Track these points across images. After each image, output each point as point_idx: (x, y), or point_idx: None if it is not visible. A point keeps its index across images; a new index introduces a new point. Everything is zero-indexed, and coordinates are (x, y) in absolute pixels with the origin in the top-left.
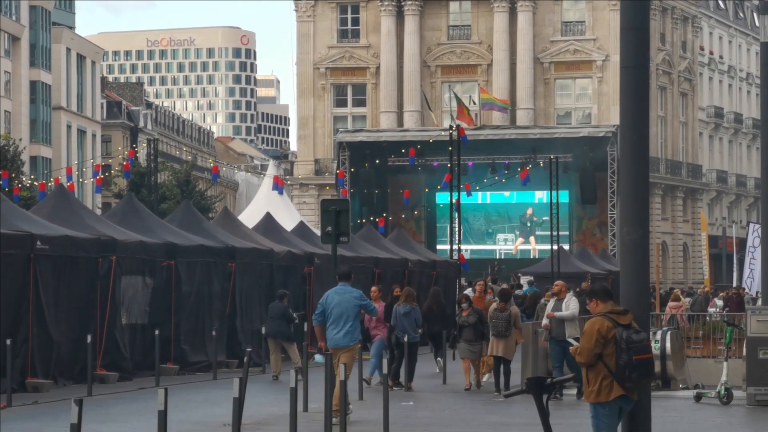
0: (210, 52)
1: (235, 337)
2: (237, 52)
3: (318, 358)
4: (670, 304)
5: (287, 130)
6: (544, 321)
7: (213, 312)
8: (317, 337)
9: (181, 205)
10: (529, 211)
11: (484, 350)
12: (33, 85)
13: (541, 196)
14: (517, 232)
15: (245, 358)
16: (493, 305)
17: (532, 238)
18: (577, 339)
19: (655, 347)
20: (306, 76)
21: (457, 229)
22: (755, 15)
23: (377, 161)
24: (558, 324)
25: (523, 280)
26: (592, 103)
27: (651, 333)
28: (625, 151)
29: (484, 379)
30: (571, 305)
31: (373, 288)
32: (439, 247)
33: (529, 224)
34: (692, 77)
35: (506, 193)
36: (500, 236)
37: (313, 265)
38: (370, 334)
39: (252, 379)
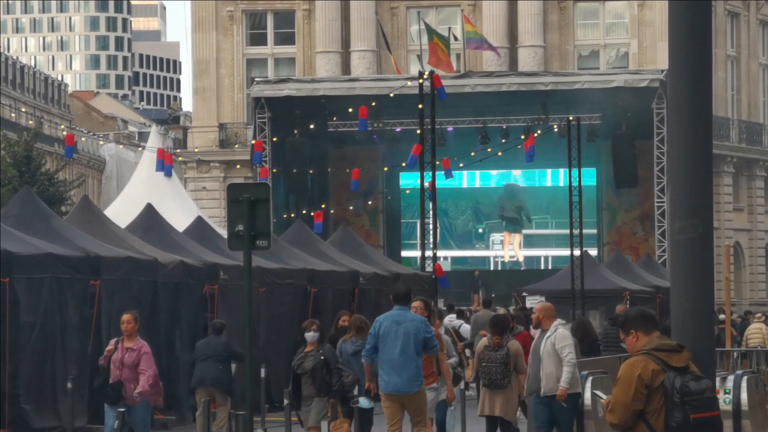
0: None
1: (103, 389)
2: None
3: (363, 402)
4: (749, 334)
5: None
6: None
7: (68, 352)
8: (366, 376)
9: (18, 193)
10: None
11: (330, 411)
12: None
13: (553, 175)
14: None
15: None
16: (484, 341)
17: (515, 237)
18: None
19: (725, 400)
20: None
21: (431, 226)
22: None
23: (312, 126)
24: (537, 371)
25: (531, 302)
26: (629, 38)
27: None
28: (678, 110)
29: None
30: (563, 343)
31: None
32: (404, 253)
33: (516, 214)
34: None
35: (503, 172)
36: (495, 237)
37: (216, 282)
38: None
39: None
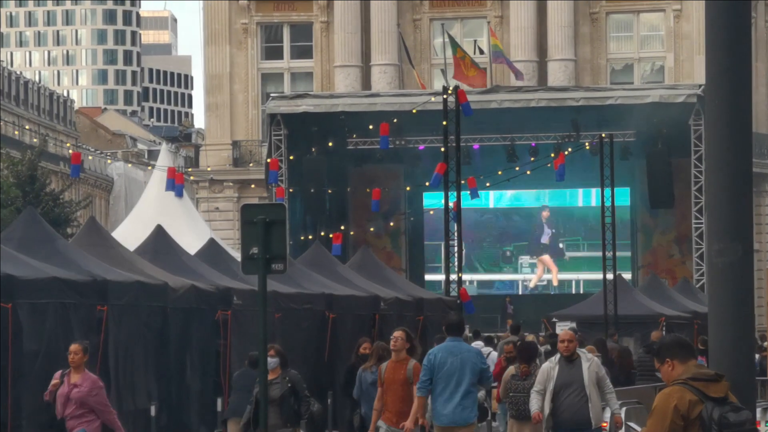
0: None
1: (52, 427)
2: None
3: None
4: None
5: (190, 97)
6: (534, 406)
7: None
8: (417, 411)
9: (21, 214)
10: (545, 214)
11: None
12: None
13: (585, 195)
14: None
15: None
16: (511, 370)
17: (547, 259)
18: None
19: None
20: (218, 10)
21: (456, 249)
22: None
23: (330, 144)
24: (575, 403)
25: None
26: (665, 51)
27: (760, 410)
28: (715, 126)
29: None
30: (602, 372)
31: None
32: (428, 277)
33: (545, 236)
34: None
35: (533, 192)
36: (524, 259)
37: (230, 308)
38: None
39: None
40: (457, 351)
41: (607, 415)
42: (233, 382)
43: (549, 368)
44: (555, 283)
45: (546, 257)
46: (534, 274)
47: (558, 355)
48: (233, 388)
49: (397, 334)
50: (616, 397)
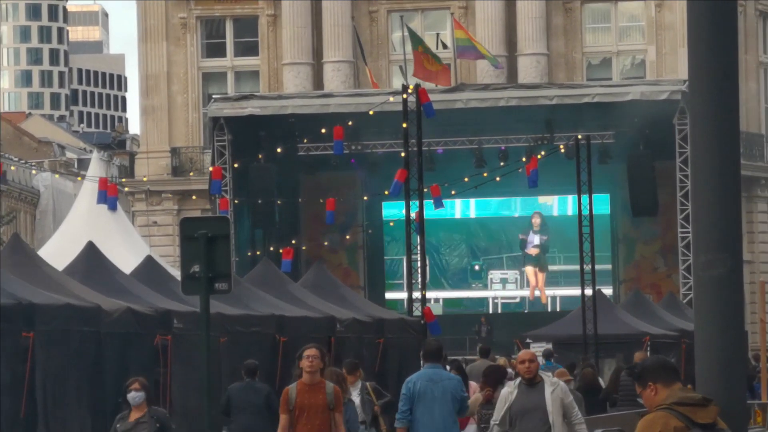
0: None
1: None
2: None
3: None
4: None
5: (123, 99)
6: None
7: None
8: None
9: None
10: (536, 219)
11: None
12: None
13: (560, 203)
14: (522, 268)
15: None
16: (477, 396)
17: (531, 271)
18: None
19: None
20: (153, 3)
21: (419, 264)
22: None
23: (279, 150)
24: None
25: (536, 350)
26: (646, 44)
27: None
28: (700, 126)
29: None
30: (569, 398)
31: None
32: (388, 295)
33: (530, 245)
34: None
35: (501, 200)
36: (495, 274)
37: (170, 332)
38: None
39: None
40: (438, 378)
41: None
42: (234, 398)
43: (507, 393)
44: (544, 301)
45: (536, 270)
46: (507, 290)
47: (518, 379)
48: (235, 407)
49: (312, 352)
50: (596, 426)
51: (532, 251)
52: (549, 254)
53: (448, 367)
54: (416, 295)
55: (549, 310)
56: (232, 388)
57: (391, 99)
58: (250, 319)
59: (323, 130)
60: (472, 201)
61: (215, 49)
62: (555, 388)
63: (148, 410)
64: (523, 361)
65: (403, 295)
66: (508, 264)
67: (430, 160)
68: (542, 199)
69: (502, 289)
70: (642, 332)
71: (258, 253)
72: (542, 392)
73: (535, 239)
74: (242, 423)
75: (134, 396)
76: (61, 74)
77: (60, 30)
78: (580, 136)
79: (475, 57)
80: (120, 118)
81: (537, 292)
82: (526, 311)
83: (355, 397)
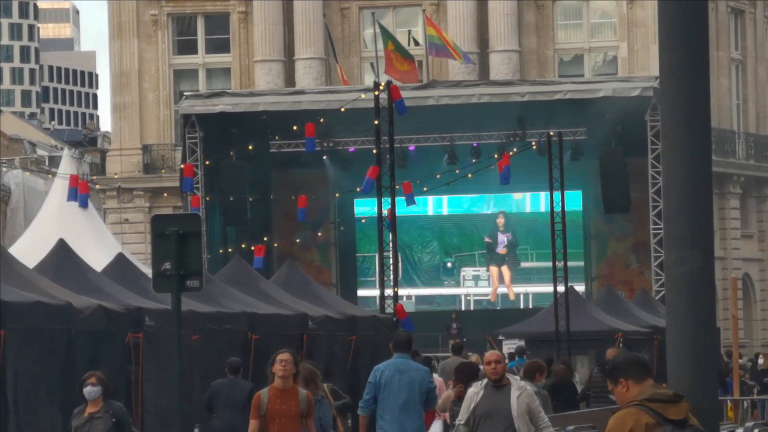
0: None
1: None
2: None
3: None
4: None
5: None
6: None
7: None
8: (360, 429)
9: None
10: (500, 220)
11: None
12: None
13: (532, 199)
14: (488, 267)
15: None
16: (448, 393)
17: (496, 271)
18: None
19: None
20: (125, 2)
21: (391, 261)
22: None
23: (250, 147)
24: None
25: (507, 348)
26: (617, 41)
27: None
28: (671, 122)
29: None
30: (535, 403)
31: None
32: (361, 292)
33: (501, 245)
34: None
35: (474, 197)
36: (467, 271)
37: (141, 330)
38: None
39: None
40: (405, 368)
41: None
42: (215, 394)
43: (473, 393)
44: (512, 297)
45: (504, 268)
46: (479, 287)
47: (486, 380)
48: (218, 403)
49: (285, 356)
50: (568, 422)
51: (503, 251)
52: (521, 250)
53: None
54: (388, 292)
55: (521, 307)
56: (216, 384)
57: (363, 96)
58: (222, 316)
59: (295, 127)
60: (445, 198)
61: (186, 46)
62: (521, 393)
63: (104, 404)
64: (489, 362)
65: (375, 292)
66: (480, 261)
67: (402, 157)
68: (515, 196)
69: (475, 286)
70: (614, 329)
71: (230, 250)
72: (508, 395)
73: (504, 239)
74: (225, 419)
75: (90, 390)
76: (31, 71)
77: (31, 27)
78: (552, 133)
79: (446, 56)
80: (91, 116)
81: (502, 290)
82: (498, 308)
83: None
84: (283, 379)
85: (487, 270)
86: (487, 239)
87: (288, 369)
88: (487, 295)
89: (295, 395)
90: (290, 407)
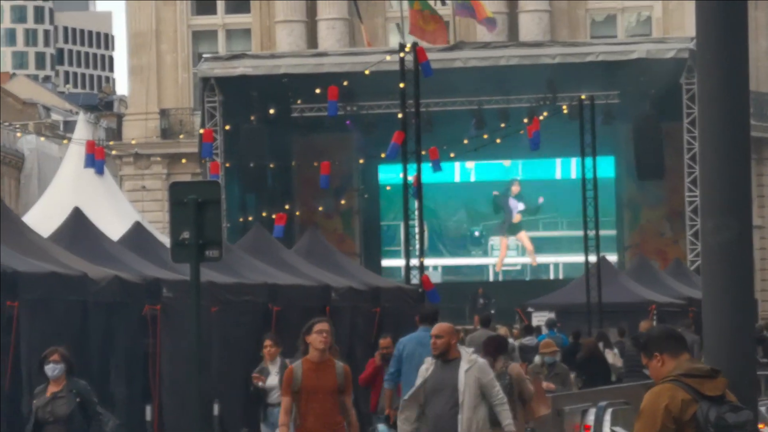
0: None
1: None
2: None
3: (382, 429)
4: None
5: (111, 59)
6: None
7: None
8: (386, 402)
9: None
10: (515, 187)
11: None
12: None
13: (563, 166)
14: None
15: None
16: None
17: (521, 237)
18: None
19: None
20: None
21: (417, 230)
22: None
23: (272, 111)
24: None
25: (537, 320)
26: (652, 0)
27: (762, 409)
28: (708, 86)
29: None
30: (488, 377)
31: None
32: (385, 262)
33: (515, 213)
34: None
35: (505, 163)
36: (495, 241)
37: (159, 301)
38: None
39: None
40: (427, 342)
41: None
42: None
43: (424, 369)
44: (534, 263)
45: (522, 234)
46: (508, 257)
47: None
48: None
49: (323, 326)
50: (600, 398)
51: (517, 218)
52: (551, 219)
53: None
54: (414, 262)
55: (551, 277)
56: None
57: (388, 58)
58: (242, 287)
59: (317, 91)
60: (472, 164)
61: (205, 7)
62: (471, 366)
63: (67, 383)
64: (431, 336)
65: (400, 262)
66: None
67: (428, 121)
68: (557, 164)
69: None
70: (648, 300)
71: (250, 218)
72: (456, 370)
73: (519, 206)
74: None
75: (53, 368)
76: (46, 33)
77: None
78: (583, 97)
79: (470, 15)
80: (107, 79)
81: (523, 259)
82: (527, 279)
83: (275, 375)
84: (321, 352)
85: (508, 237)
86: (495, 192)
87: (328, 340)
88: (516, 265)
89: (332, 369)
90: (327, 382)
